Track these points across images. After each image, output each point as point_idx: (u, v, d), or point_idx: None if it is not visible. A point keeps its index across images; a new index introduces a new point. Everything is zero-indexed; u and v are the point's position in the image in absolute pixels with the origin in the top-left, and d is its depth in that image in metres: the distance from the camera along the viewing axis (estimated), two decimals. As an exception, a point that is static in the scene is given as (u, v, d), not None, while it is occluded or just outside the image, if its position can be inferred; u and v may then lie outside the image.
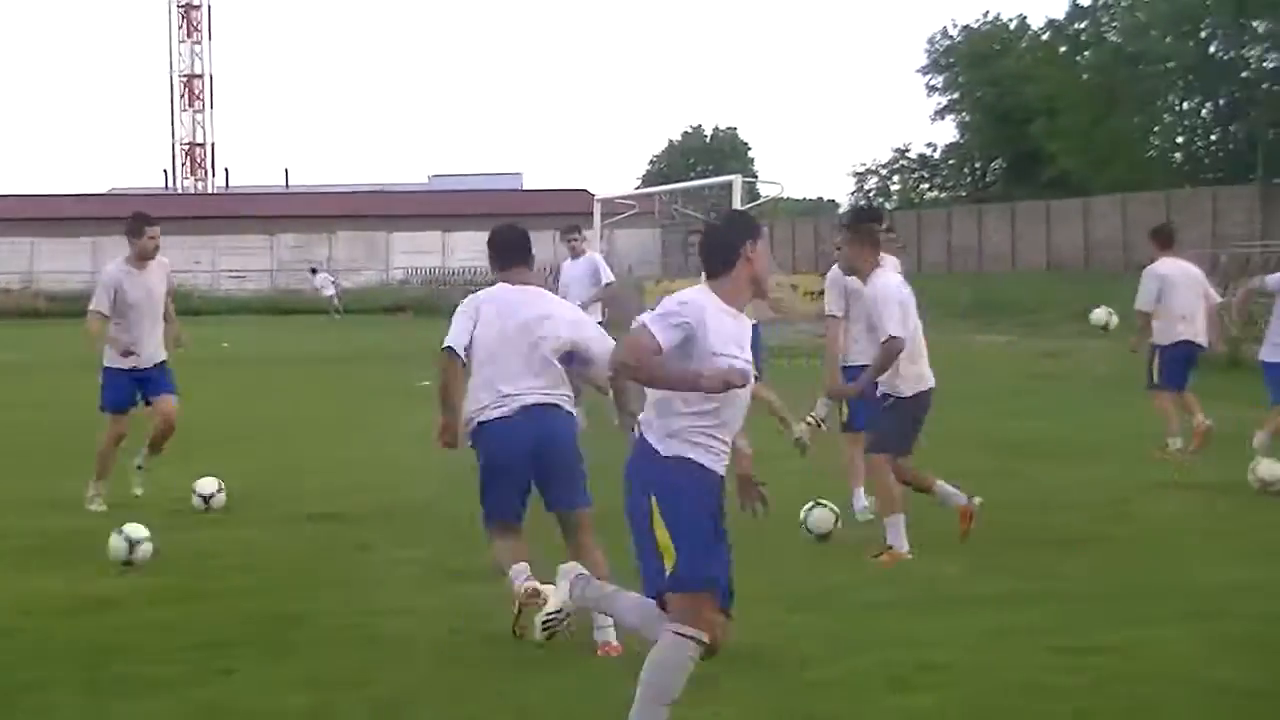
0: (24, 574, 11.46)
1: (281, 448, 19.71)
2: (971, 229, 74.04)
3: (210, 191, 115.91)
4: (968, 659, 8.63)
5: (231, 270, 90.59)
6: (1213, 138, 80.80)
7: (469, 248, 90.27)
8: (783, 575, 11.05)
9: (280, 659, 8.91)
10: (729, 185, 44.77)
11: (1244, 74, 76.56)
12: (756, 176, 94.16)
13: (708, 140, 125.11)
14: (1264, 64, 74.62)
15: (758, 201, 55.92)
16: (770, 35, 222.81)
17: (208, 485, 14.40)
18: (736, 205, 42.82)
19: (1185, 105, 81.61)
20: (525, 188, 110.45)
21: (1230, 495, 14.43)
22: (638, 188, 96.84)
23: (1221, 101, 79.07)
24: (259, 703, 8.04)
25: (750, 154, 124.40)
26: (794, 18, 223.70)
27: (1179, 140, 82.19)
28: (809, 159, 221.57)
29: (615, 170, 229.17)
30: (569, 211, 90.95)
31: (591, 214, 51.53)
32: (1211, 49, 78.21)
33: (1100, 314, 19.71)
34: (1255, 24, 75.98)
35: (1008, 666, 8.47)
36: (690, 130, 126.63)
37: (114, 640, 9.32)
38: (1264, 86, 71.95)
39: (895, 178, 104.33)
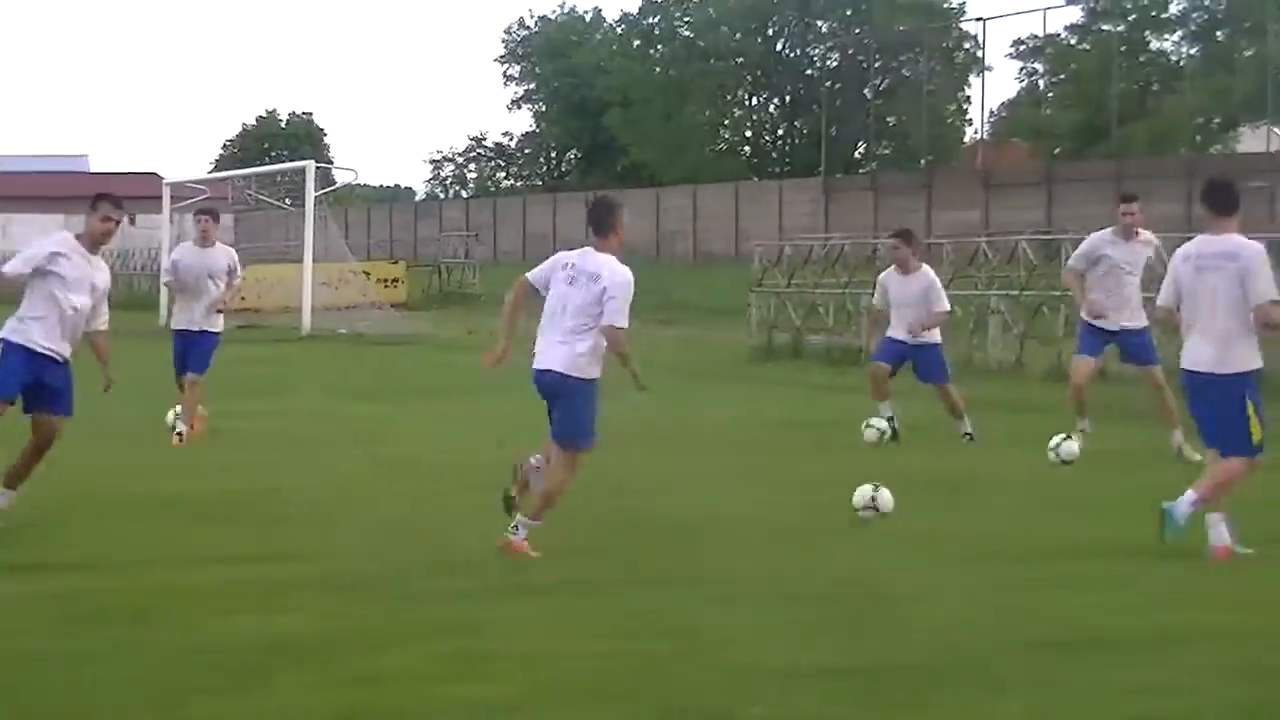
0: None
1: None
2: (546, 218, 74.71)
3: None
4: (532, 647, 8.63)
5: None
6: (780, 132, 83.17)
7: (31, 231, 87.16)
8: (341, 562, 10.97)
9: None
10: (303, 171, 44.32)
11: (809, 72, 79.06)
12: (332, 163, 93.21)
13: (283, 125, 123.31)
14: (827, 63, 77.18)
15: (333, 187, 55.40)
16: (346, 20, 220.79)
17: None
18: (311, 191, 42.44)
19: (754, 100, 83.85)
20: (91, 170, 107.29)
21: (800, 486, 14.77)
22: (210, 172, 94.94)
23: (788, 98, 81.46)
24: None
25: (326, 140, 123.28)
26: (370, 3, 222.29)
27: (748, 134, 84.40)
28: (385, 146, 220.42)
29: (187, 154, 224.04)
30: (138, 195, 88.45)
31: (160, 198, 50.35)
32: (779, 46, 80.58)
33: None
34: (819, 24, 78.60)
35: (572, 654, 8.49)
36: (265, 115, 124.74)
37: None
38: (827, 85, 74.36)
39: (472, 166, 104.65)
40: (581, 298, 11.26)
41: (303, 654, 8.49)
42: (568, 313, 11.27)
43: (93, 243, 12.46)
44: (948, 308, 18.17)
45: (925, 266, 18.14)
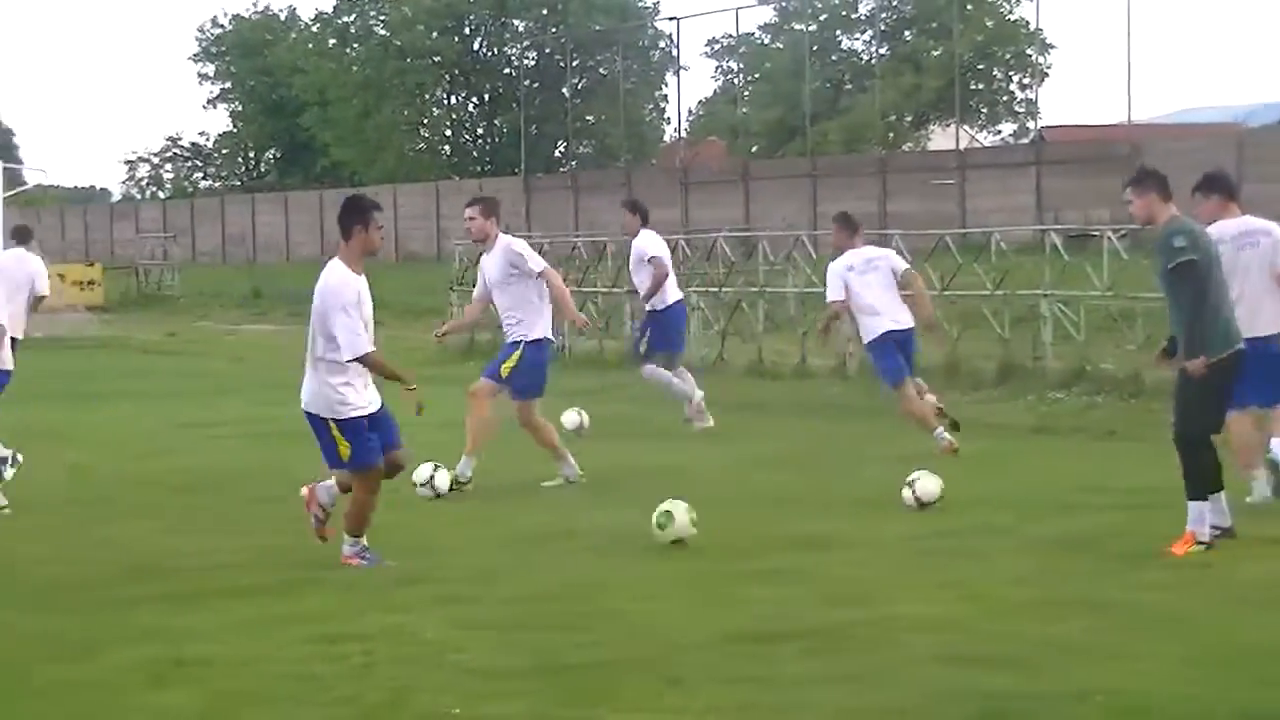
0: None
1: None
2: (245, 218, 73.72)
3: None
4: (228, 652, 8.55)
5: None
6: (479, 131, 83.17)
7: None
8: (19, 571, 10.79)
9: None
10: (-10, 171, 43.10)
11: (506, 70, 79.19)
12: (22, 163, 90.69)
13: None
14: (525, 61, 77.36)
15: (23, 188, 53.98)
16: (33, 16, 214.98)
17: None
18: (-1, 192, 41.29)
19: (453, 99, 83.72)
20: None
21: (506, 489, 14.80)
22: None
23: (486, 96, 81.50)
24: None
25: (15, 140, 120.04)
26: (60, 1, 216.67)
27: (448, 133, 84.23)
28: (78, 146, 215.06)
29: None
30: None
31: None
32: (476, 45, 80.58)
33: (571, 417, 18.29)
34: (516, 23, 78.80)
35: (270, 658, 8.44)
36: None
37: None
38: (526, 83, 74.55)
39: (168, 166, 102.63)
40: (316, 321, 10.83)
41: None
42: (314, 343, 10.89)
43: None
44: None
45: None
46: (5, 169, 44.08)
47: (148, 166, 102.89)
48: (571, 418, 17.98)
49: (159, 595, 9.99)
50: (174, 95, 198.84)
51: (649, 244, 18.69)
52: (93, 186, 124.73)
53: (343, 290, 10.60)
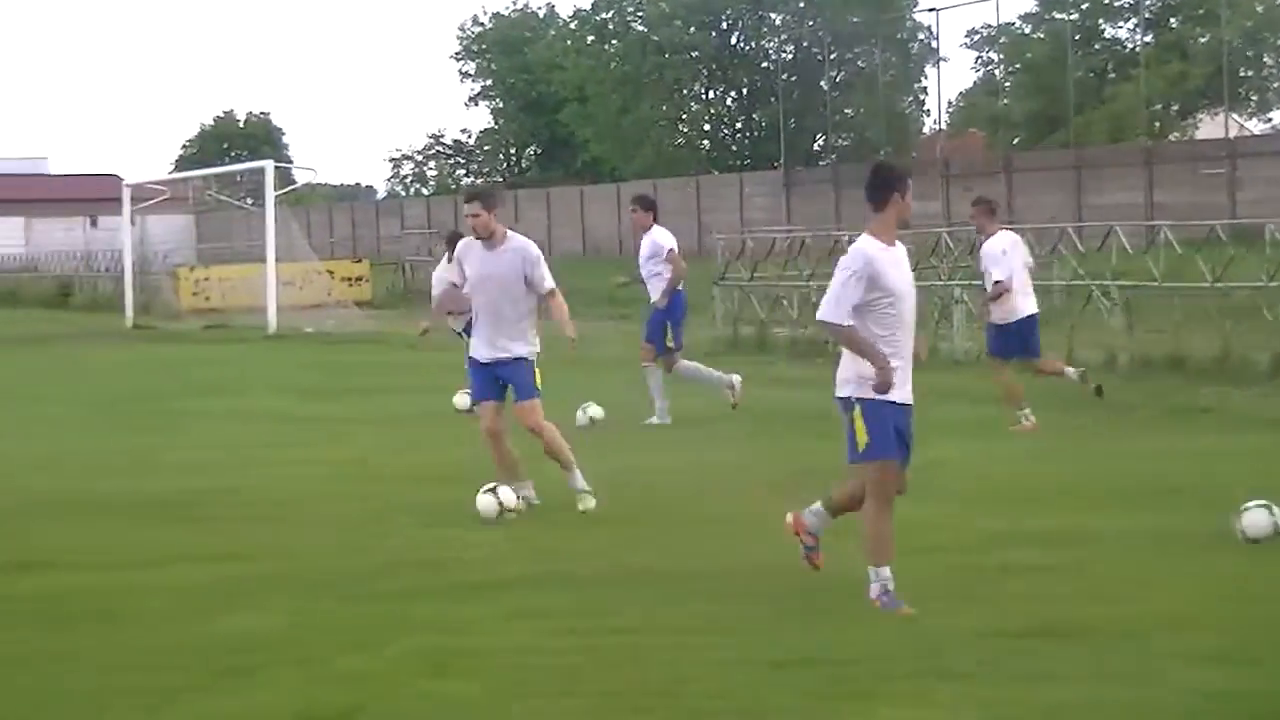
0: None
1: None
2: (507, 214, 74.63)
3: None
4: (496, 643, 8.70)
5: None
6: (738, 126, 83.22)
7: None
8: (307, 560, 11.03)
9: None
10: (263, 170, 44.20)
11: (764, 64, 79.10)
12: (292, 162, 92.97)
13: (241, 126, 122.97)
14: (782, 55, 77.23)
15: (293, 187, 55.28)
16: (302, 19, 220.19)
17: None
18: (271, 191, 42.34)
19: (710, 94, 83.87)
20: (51, 172, 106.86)
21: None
22: (170, 173, 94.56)
23: (744, 91, 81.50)
24: None
25: (285, 139, 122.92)
26: (325, 3, 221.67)
27: (706, 128, 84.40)
28: (345, 145, 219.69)
29: (146, 155, 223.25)
30: (98, 197, 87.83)
31: (120, 199, 50.17)
32: (733, 40, 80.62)
33: None
34: (773, 17, 78.63)
35: (536, 649, 8.56)
36: (223, 115, 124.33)
37: None
38: (784, 77, 74.44)
39: (431, 164, 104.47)
40: None
41: (281, 652, 8.55)
42: None
43: None
44: None
45: None
46: (276, 168, 45.15)
47: (412, 164, 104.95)
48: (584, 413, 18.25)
49: (427, 587, 10.17)
50: (437, 93, 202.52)
51: (667, 238, 18.89)
52: (358, 184, 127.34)
53: (857, 260, 9.45)
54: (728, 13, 79.54)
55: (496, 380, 13.19)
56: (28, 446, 17.85)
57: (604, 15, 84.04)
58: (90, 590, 10.07)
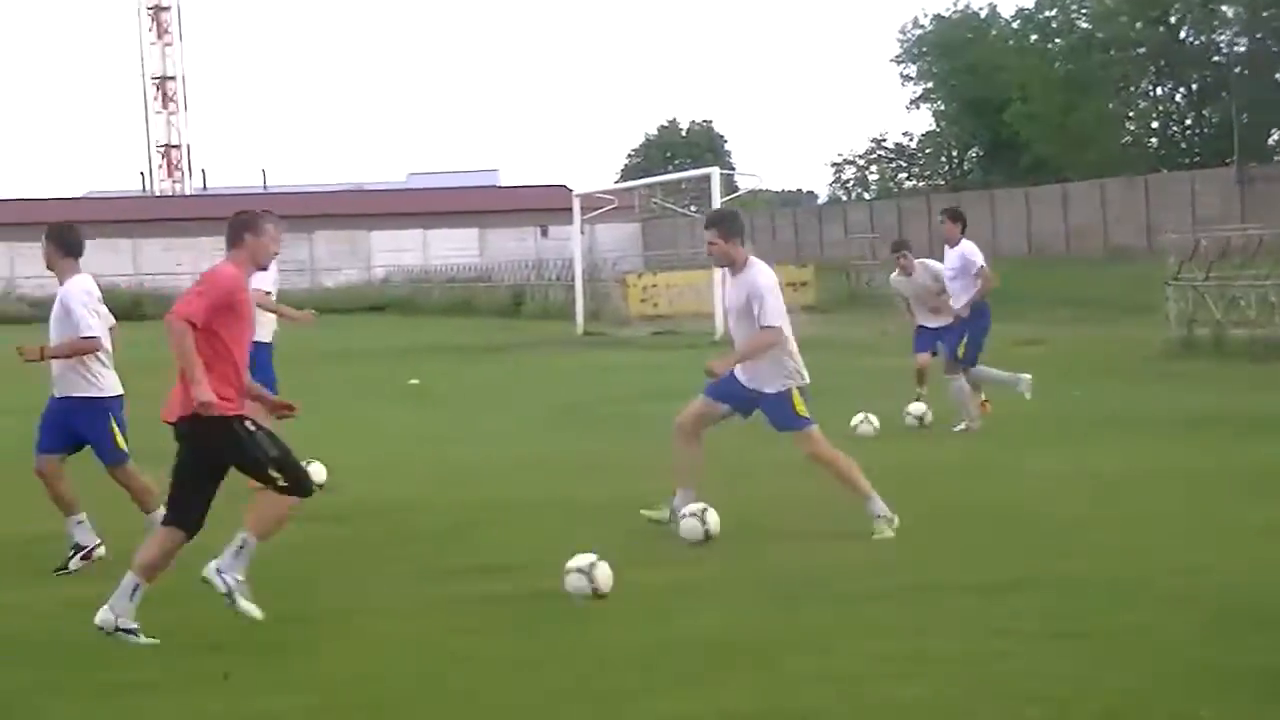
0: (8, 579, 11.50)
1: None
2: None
3: (188, 194, 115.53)
4: (959, 649, 8.63)
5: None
6: (1187, 122, 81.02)
7: (448, 245, 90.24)
8: (766, 563, 11.14)
9: (278, 661, 8.92)
10: (708, 178, 44.86)
11: (1215, 58, 76.75)
12: (734, 169, 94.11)
13: (684, 134, 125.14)
14: (1235, 48, 74.82)
15: (736, 193, 55.99)
16: (742, 28, 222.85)
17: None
18: (716, 197, 42.95)
19: (1158, 90, 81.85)
20: (501, 184, 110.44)
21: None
22: (616, 182, 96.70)
23: (1194, 86, 79.26)
24: (257, 705, 8.03)
25: (726, 147, 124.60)
26: (766, 10, 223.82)
27: (1154, 125, 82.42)
28: (785, 151, 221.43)
29: (591, 166, 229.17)
30: (548, 208, 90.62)
31: (570, 210, 51.57)
32: (1182, 34, 78.44)
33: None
34: (1225, 8, 76.19)
35: (1003, 655, 8.47)
36: (666, 125, 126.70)
37: (109, 645, 9.31)
38: (1236, 70, 72.10)
39: (873, 168, 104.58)
40: None
41: (740, 654, 8.65)
42: None
43: None
44: None
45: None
46: (721, 175, 45.75)
47: (853, 168, 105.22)
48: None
49: (884, 590, 10.16)
50: (878, 97, 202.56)
51: (977, 254, 19.02)
52: (799, 190, 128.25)
53: None
54: (1176, 6, 77.48)
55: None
56: (507, 450, 18.63)
57: (1047, 13, 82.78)
58: (554, 593, 10.28)
